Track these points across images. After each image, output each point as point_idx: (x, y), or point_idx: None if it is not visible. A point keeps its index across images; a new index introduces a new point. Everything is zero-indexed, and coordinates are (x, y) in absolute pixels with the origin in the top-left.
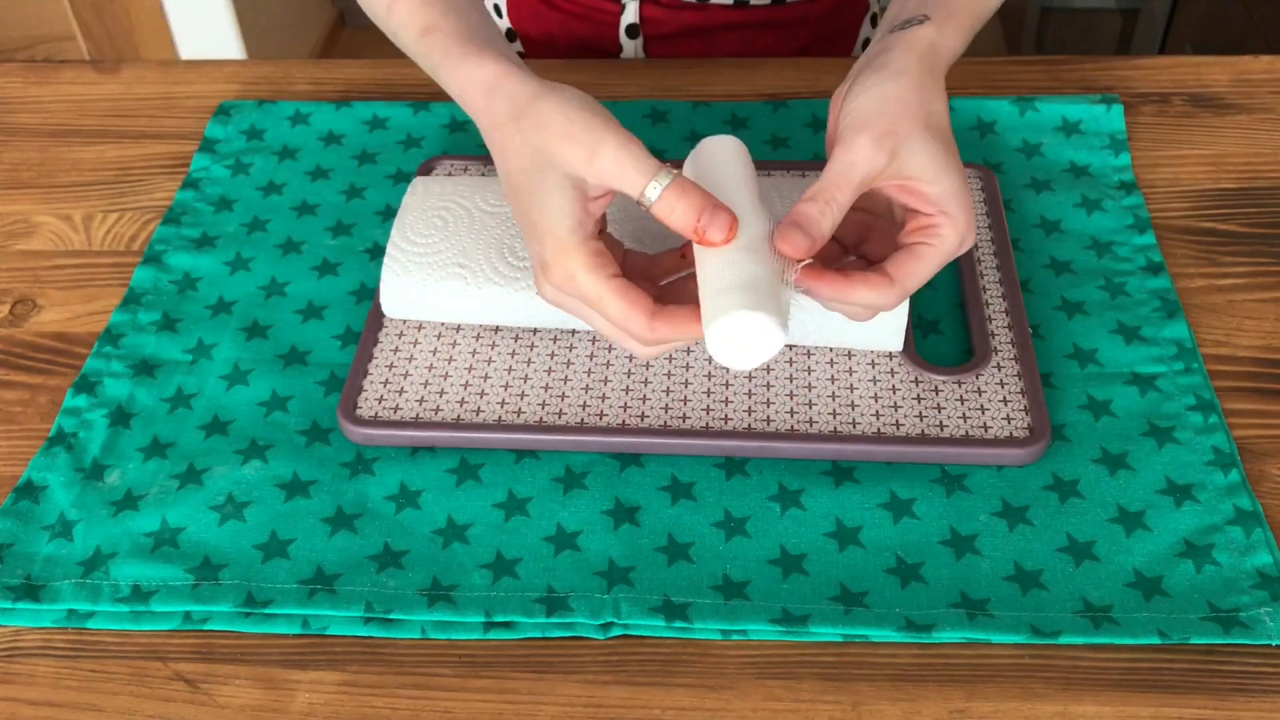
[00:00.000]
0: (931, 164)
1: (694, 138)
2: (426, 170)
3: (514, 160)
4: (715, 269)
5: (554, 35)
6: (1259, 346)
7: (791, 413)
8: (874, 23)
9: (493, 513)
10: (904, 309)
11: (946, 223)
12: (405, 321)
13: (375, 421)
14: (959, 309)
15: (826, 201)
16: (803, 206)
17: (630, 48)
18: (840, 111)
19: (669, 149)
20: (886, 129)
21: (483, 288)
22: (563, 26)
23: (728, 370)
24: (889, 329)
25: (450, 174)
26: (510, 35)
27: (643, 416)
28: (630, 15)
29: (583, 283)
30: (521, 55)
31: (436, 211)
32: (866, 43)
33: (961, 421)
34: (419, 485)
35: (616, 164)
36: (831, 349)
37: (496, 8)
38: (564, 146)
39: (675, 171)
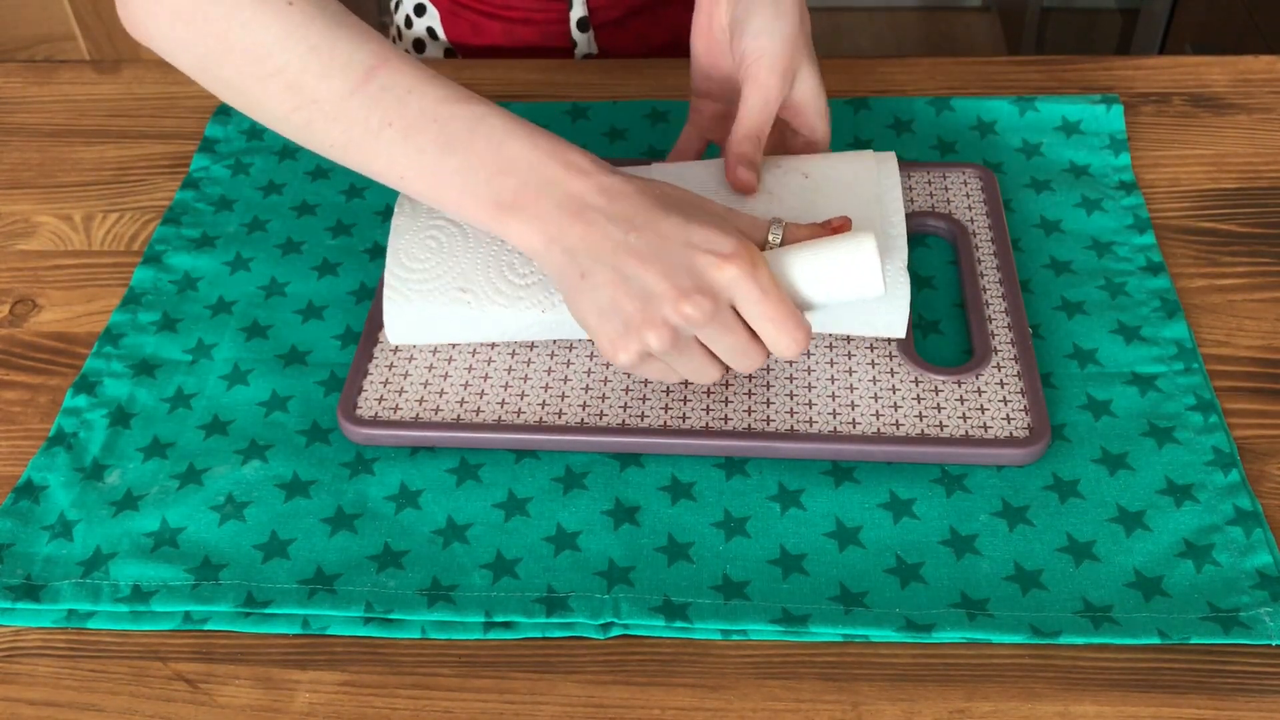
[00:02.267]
0: (814, 87)
1: None
2: None
3: (643, 199)
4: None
5: (498, 46)
6: (1259, 346)
7: (791, 413)
8: None
9: (493, 513)
10: (905, 296)
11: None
12: None
13: (375, 421)
14: (959, 309)
15: (759, 137)
16: (744, 147)
17: (583, 42)
18: (740, 49)
19: (669, 148)
20: (788, 66)
21: (487, 310)
22: (507, 34)
23: (728, 369)
24: (891, 314)
25: None
26: (449, 53)
27: (643, 416)
28: (579, 9)
29: (763, 273)
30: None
31: (429, 233)
32: None
33: (961, 421)
34: (419, 485)
35: (747, 223)
36: (831, 348)
37: (430, 29)
38: (704, 201)
39: (778, 218)
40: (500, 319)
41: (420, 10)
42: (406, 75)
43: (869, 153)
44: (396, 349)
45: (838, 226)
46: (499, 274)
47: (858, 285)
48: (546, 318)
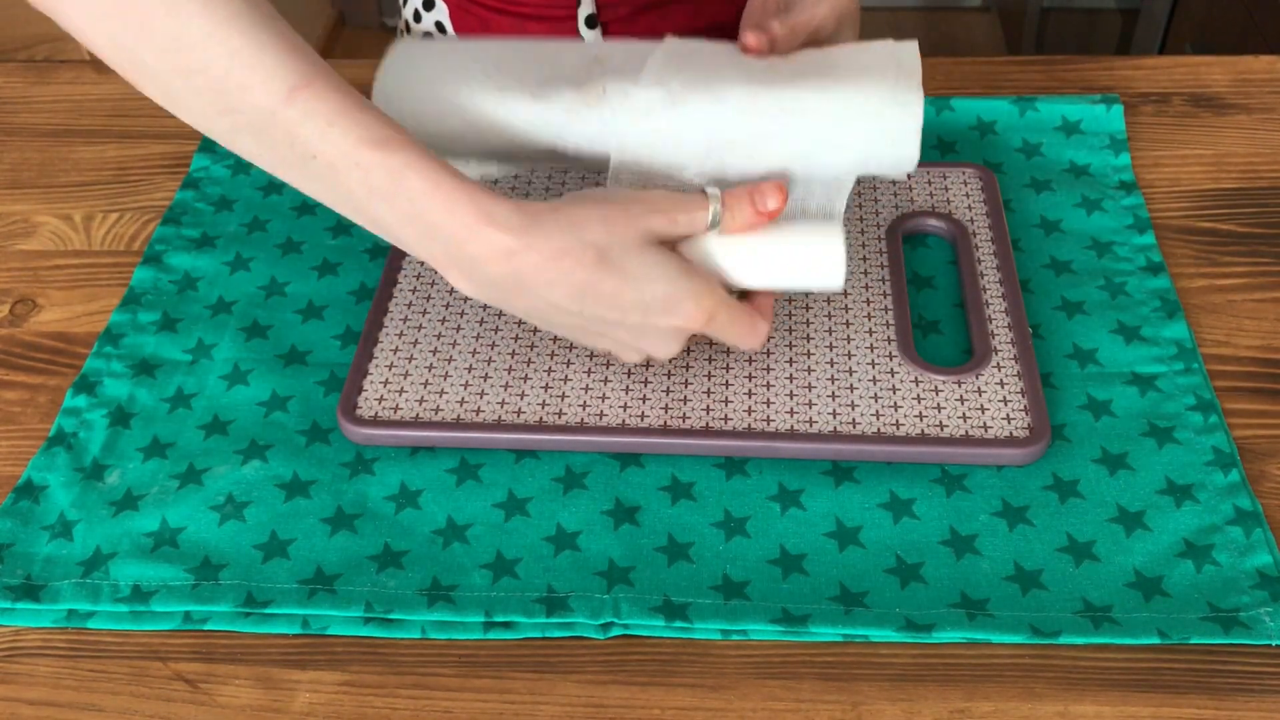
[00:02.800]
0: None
1: None
2: None
3: (580, 271)
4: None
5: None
6: (1259, 346)
7: (791, 413)
8: None
9: (493, 513)
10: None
11: None
12: (405, 321)
13: (375, 421)
14: (959, 309)
15: (793, 31)
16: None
17: (590, 38)
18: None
19: None
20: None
21: (486, 87)
22: (516, 28)
23: (728, 370)
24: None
25: None
26: None
27: (643, 416)
28: (588, 5)
29: (720, 315)
30: None
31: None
32: None
33: (961, 421)
34: (419, 485)
35: (685, 210)
36: (831, 349)
37: (439, 24)
38: (639, 220)
39: (709, 189)
40: (525, 111)
41: (429, 4)
42: (330, 103)
43: (890, 42)
44: (397, 349)
45: (774, 209)
46: (521, 87)
47: (818, 280)
48: (578, 117)
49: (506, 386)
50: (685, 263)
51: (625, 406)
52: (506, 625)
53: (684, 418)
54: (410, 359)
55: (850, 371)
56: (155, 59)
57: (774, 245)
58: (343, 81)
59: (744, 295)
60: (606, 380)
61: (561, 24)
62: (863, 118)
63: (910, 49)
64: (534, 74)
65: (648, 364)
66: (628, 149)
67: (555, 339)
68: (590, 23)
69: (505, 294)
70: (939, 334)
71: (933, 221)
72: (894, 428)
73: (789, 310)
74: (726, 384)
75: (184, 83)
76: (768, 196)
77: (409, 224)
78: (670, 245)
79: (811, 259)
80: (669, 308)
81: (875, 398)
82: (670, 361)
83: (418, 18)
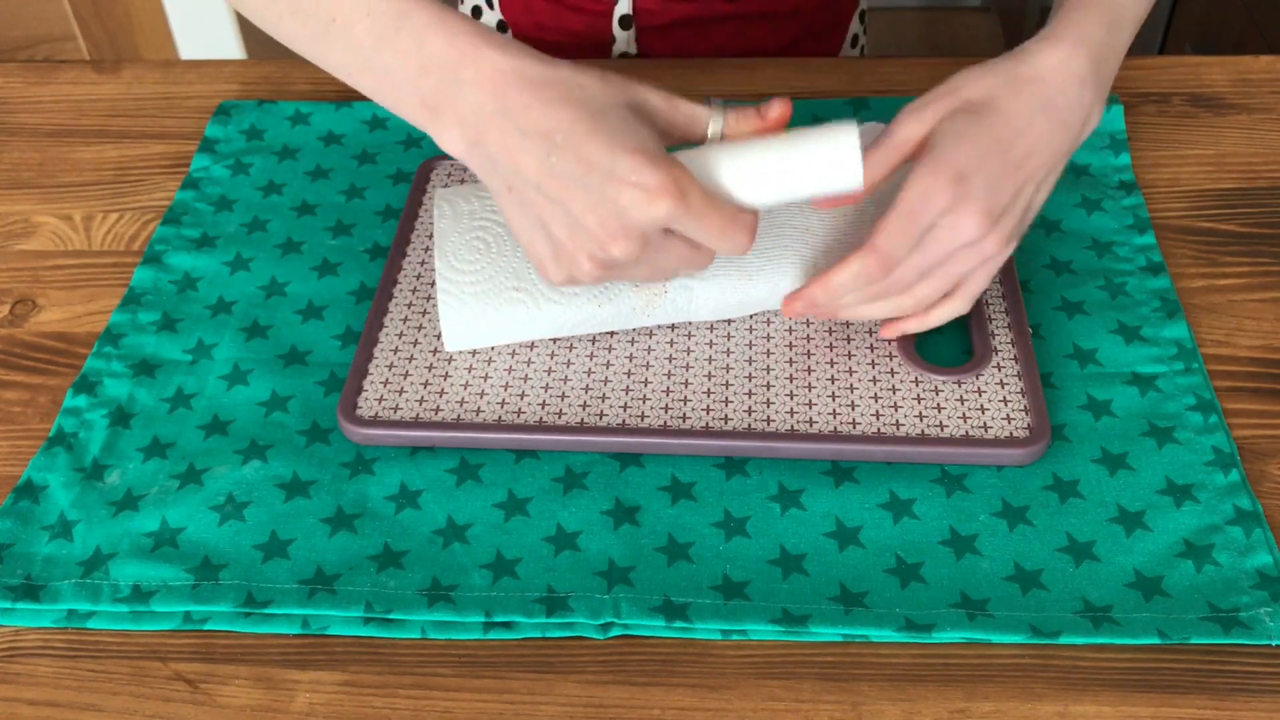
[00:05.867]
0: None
1: None
2: (426, 170)
3: (562, 107)
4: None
5: (545, 26)
6: (1259, 346)
7: (791, 413)
8: (862, 19)
9: (493, 513)
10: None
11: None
12: (405, 321)
13: (375, 421)
14: None
15: (902, 234)
16: (886, 245)
17: (623, 39)
18: (933, 135)
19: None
20: (960, 173)
21: (543, 308)
22: (554, 17)
23: (728, 370)
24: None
25: (451, 174)
26: (501, 27)
27: (643, 416)
28: (624, 6)
29: (693, 195)
30: None
31: (474, 233)
32: (854, 39)
33: (961, 421)
34: (419, 485)
35: (688, 101)
36: (831, 349)
37: (489, 0)
38: (636, 88)
39: (712, 99)
40: (556, 315)
41: None
42: None
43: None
44: (397, 349)
45: (779, 116)
46: None
47: (835, 178)
48: (603, 312)
49: (506, 386)
50: (661, 137)
51: (625, 406)
52: (506, 625)
53: (684, 418)
54: (410, 359)
55: (850, 371)
56: None
57: (783, 145)
58: None
59: None
60: (606, 380)
61: (599, 20)
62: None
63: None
64: None
65: (580, 424)
66: None
67: (555, 339)
68: (624, 23)
69: (479, 127)
70: (939, 334)
71: None
72: (894, 428)
73: None
74: (726, 384)
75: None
76: (774, 106)
77: (406, 65)
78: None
79: (825, 152)
80: (638, 165)
81: (875, 398)
82: (670, 361)
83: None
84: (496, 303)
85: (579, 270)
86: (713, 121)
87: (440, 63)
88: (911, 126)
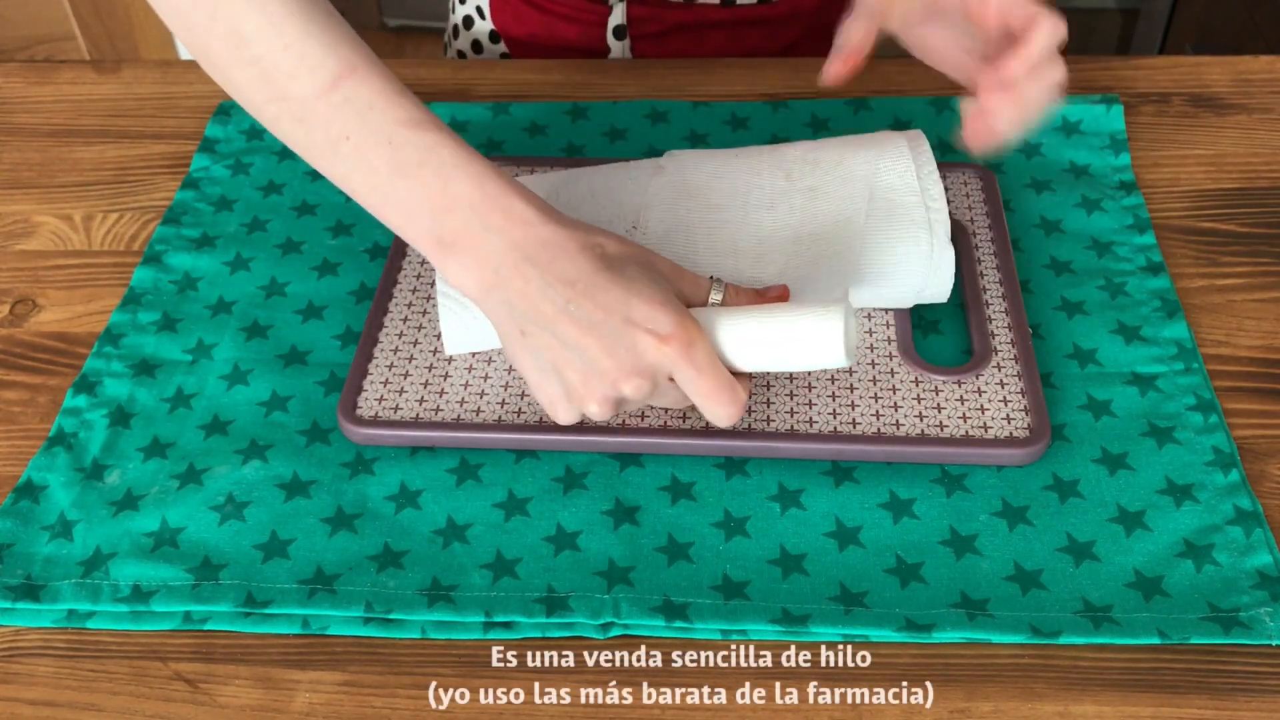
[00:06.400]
0: None
1: (694, 137)
2: None
3: (584, 258)
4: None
5: (537, 35)
6: (1259, 346)
7: (791, 413)
8: None
9: (493, 513)
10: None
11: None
12: (405, 321)
13: (375, 421)
14: (959, 309)
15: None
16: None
17: (618, 48)
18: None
19: (668, 148)
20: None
21: None
22: (546, 27)
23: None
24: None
25: None
26: (494, 37)
27: (643, 416)
28: (618, 16)
29: (699, 349)
30: (505, 57)
31: None
32: None
33: (961, 421)
34: (419, 485)
35: (691, 275)
36: None
37: (479, 9)
38: (648, 254)
39: (715, 279)
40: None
41: None
42: (371, 89)
43: (899, 135)
44: (397, 349)
45: (776, 296)
46: None
47: (820, 357)
48: None
49: (506, 386)
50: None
51: None
52: (506, 625)
53: (684, 418)
54: (410, 359)
55: (850, 371)
56: (218, 51)
57: (774, 319)
58: (385, 69)
59: None
60: None
61: (593, 29)
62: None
63: (919, 144)
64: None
65: (581, 424)
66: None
67: None
68: (619, 34)
69: (500, 273)
70: (939, 334)
71: None
72: (894, 428)
73: None
74: None
75: (241, 74)
76: (773, 289)
77: (427, 200)
78: None
79: (811, 331)
80: (652, 313)
81: (875, 398)
82: None
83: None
84: None
85: (589, 409)
86: (714, 292)
87: (467, 205)
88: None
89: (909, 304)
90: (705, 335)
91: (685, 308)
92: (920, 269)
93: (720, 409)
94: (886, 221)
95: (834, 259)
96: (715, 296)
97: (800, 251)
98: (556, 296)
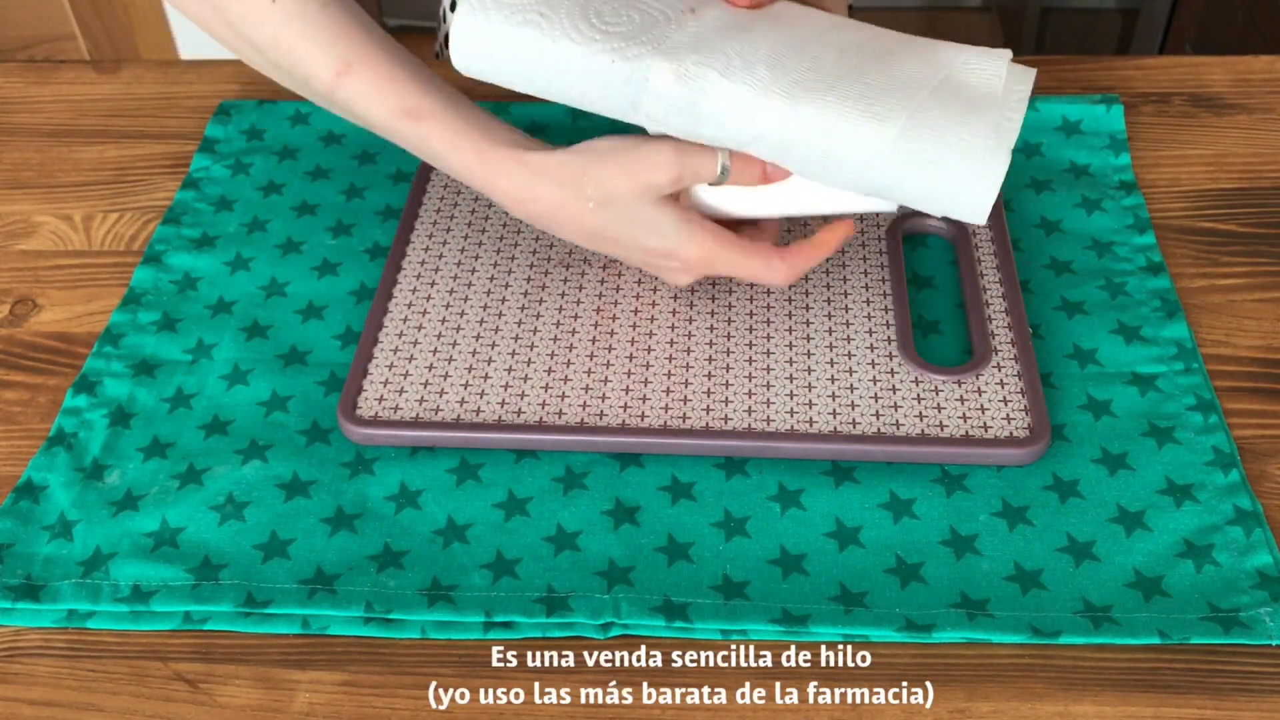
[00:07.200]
0: None
1: None
2: (426, 171)
3: (583, 218)
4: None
5: None
6: (1259, 346)
7: (791, 413)
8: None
9: (493, 513)
10: (996, 183)
11: None
12: (405, 321)
13: (375, 421)
14: (959, 309)
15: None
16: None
17: None
18: None
19: None
20: None
21: (559, 42)
22: None
23: (728, 370)
24: (975, 198)
25: None
26: None
27: (643, 416)
28: None
29: (721, 260)
30: None
31: None
32: None
33: (961, 421)
34: (419, 485)
35: (692, 166)
36: (831, 348)
37: None
38: (644, 175)
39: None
40: (570, 56)
41: None
42: (365, 82)
43: (1006, 53)
44: (397, 349)
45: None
46: (582, 15)
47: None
48: (616, 68)
49: (506, 386)
50: (682, 213)
51: (625, 406)
52: (506, 625)
53: (684, 418)
54: (410, 359)
55: (850, 371)
56: (250, 55)
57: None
58: (379, 56)
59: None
60: (606, 380)
61: None
62: (933, 181)
63: (1022, 78)
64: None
65: (581, 425)
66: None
67: (555, 338)
68: None
69: (533, 224)
70: (939, 334)
71: (933, 221)
72: (894, 428)
73: (789, 310)
74: (726, 384)
75: (275, 73)
76: (778, 172)
77: (446, 170)
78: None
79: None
80: (667, 253)
81: (875, 398)
82: (669, 361)
83: None
84: (515, 20)
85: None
86: (719, 164)
87: (471, 183)
88: None
89: (939, 210)
90: (718, 246)
91: (689, 231)
92: (962, 162)
93: (768, 280)
94: (950, 101)
95: (878, 117)
96: (721, 163)
97: (846, 93)
98: (584, 242)
